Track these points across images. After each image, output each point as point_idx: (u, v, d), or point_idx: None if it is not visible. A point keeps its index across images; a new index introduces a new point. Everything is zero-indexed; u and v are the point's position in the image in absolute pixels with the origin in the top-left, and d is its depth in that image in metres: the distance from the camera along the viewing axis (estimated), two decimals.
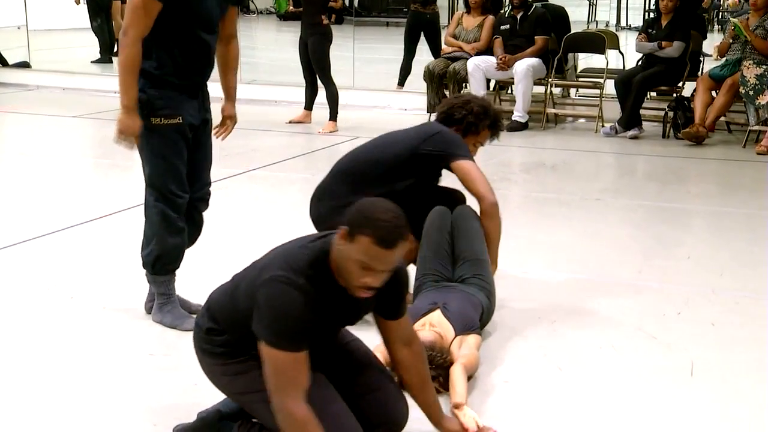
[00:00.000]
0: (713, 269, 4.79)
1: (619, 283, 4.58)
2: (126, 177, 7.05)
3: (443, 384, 3.21)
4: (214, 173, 6.77)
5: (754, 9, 7.90)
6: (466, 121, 4.06)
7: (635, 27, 12.76)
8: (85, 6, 12.24)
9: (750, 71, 7.67)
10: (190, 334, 2.92)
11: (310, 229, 5.12)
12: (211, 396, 2.94)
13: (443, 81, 8.94)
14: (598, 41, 8.97)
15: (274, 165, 7.23)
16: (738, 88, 7.77)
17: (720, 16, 13.50)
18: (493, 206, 3.92)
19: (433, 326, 3.47)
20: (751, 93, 7.66)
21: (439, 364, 3.25)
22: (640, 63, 8.65)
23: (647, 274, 4.74)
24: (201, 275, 4.66)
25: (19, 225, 5.53)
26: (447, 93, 8.76)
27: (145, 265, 4.03)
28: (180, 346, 3.63)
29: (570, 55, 9.22)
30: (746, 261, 4.92)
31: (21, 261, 4.89)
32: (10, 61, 11.76)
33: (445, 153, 3.93)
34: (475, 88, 8.58)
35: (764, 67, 7.64)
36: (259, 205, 6.10)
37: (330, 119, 8.56)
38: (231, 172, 6.85)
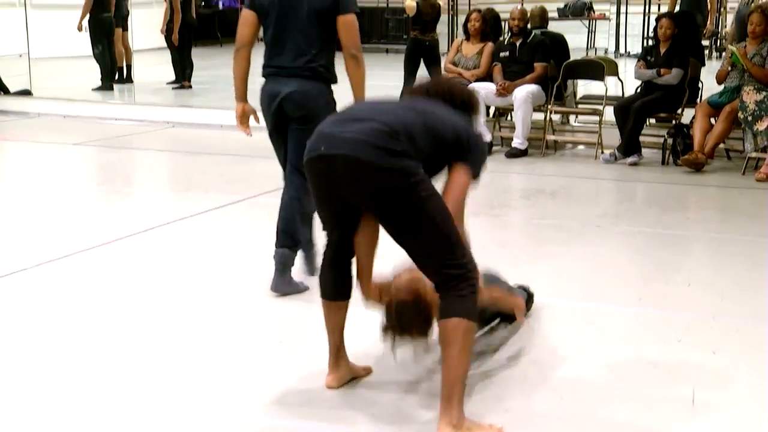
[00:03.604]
0: (713, 295, 4.79)
1: (619, 308, 4.58)
2: (126, 203, 7.07)
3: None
4: (216, 199, 6.83)
5: (752, 37, 7.94)
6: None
7: (634, 54, 12.82)
8: (87, 33, 12.30)
9: (750, 97, 7.69)
10: None
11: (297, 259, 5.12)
12: None
13: None
14: (597, 68, 9.01)
15: (274, 191, 7.22)
16: (736, 115, 7.79)
17: (718, 44, 13.56)
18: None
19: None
20: (749, 119, 7.68)
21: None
22: (639, 90, 8.68)
23: (647, 299, 4.74)
24: (202, 303, 4.66)
25: (20, 253, 5.53)
26: None
27: None
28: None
29: (569, 81, 9.25)
30: (746, 287, 4.91)
31: (22, 289, 4.88)
32: (12, 89, 11.81)
33: None
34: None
35: (764, 93, 7.66)
36: (259, 232, 6.09)
37: None
38: (232, 199, 6.86)
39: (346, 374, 3.62)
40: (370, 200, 3.17)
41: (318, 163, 3.21)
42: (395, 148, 3.08)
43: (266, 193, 7.14)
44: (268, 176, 7.84)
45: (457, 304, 3.12)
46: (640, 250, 5.81)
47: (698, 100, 8.52)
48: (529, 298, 4.39)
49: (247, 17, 4.56)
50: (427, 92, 3.51)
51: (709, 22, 11.03)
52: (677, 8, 10.75)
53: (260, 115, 4.78)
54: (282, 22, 4.50)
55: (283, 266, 4.67)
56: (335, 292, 3.51)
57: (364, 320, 3.68)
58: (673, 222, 6.45)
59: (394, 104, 3.44)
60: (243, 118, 4.74)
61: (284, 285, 4.69)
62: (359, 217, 3.32)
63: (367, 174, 3.09)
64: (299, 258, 4.86)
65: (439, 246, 3.13)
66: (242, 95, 4.71)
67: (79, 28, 12.25)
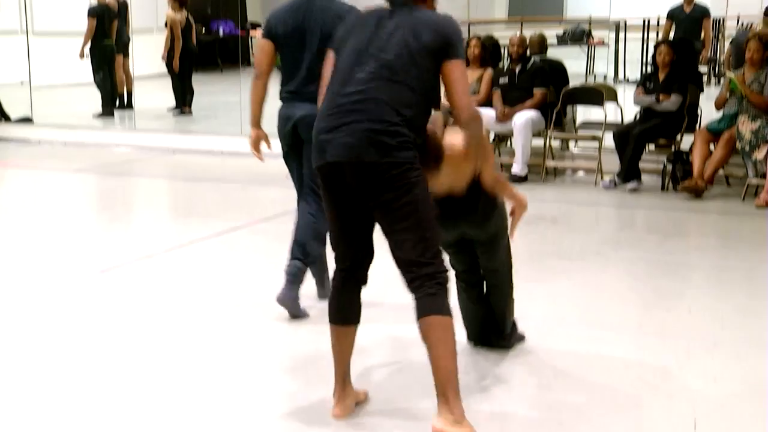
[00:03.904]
0: (714, 322, 4.79)
1: (620, 335, 4.57)
2: (127, 230, 7.08)
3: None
4: (216, 226, 6.84)
5: (749, 64, 7.98)
6: None
7: (633, 80, 12.86)
8: (89, 60, 12.35)
9: (745, 126, 7.72)
10: None
11: (310, 281, 5.12)
12: None
13: None
14: (597, 94, 9.04)
15: (274, 218, 7.24)
16: (735, 142, 7.82)
17: (717, 70, 13.62)
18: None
19: None
20: (746, 148, 7.71)
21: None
22: (638, 116, 8.71)
23: (648, 326, 4.74)
24: (203, 330, 4.66)
25: (20, 280, 5.53)
26: None
27: None
28: None
29: (569, 107, 9.28)
30: (747, 314, 4.91)
31: (23, 317, 4.88)
32: (13, 117, 11.84)
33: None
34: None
35: (759, 121, 7.69)
36: (261, 258, 6.10)
37: None
38: (231, 225, 6.87)
39: (352, 403, 3.62)
40: (375, 194, 3.29)
41: (327, 170, 3.37)
42: (392, 141, 3.25)
43: (266, 220, 7.16)
44: (268, 203, 7.88)
45: (430, 302, 3.28)
46: (641, 276, 5.81)
47: (697, 126, 8.55)
48: (520, 337, 4.42)
49: (264, 46, 4.73)
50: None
51: (705, 49, 11.07)
52: (671, 36, 10.80)
53: (274, 140, 4.90)
54: (296, 49, 4.65)
55: (292, 277, 4.73)
56: (344, 316, 3.55)
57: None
58: (673, 248, 6.46)
59: (375, 70, 3.34)
60: (256, 144, 4.89)
61: (289, 300, 4.72)
62: (370, 236, 3.46)
63: (372, 172, 3.26)
64: (311, 281, 4.93)
65: (416, 243, 3.31)
66: (257, 121, 4.85)
67: (81, 56, 12.30)
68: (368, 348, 4.17)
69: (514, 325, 4.38)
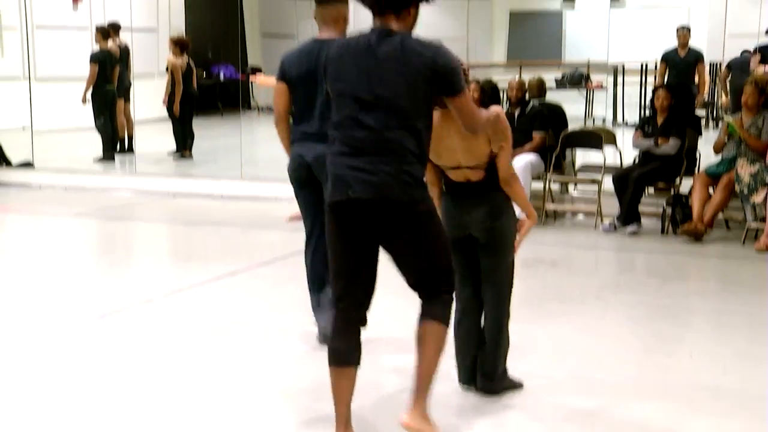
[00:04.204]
0: (716, 367, 4.76)
1: (621, 381, 4.55)
2: (126, 275, 7.07)
3: None
4: (215, 270, 6.83)
5: (746, 108, 8.02)
6: None
7: (632, 123, 12.92)
8: (90, 105, 12.41)
9: (744, 170, 7.74)
10: None
11: (312, 327, 5.11)
12: None
13: None
14: (596, 138, 9.07)
15: (274, 262, 7.24)
16: (734, 185, 7.83)
17: (714, 114, 13.69)
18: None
19: None
20: (745, 191, 7.72)
21: None
22: (637, 159, 8.74)
23: (649, 371, 4.71)
24: (204, 375, 4.64)
25: (20, 325, 5.51)
26: None
27: None
28: None
29: (568, 151, 9.31)
30: (749, 359, 4.89)
31: (23, 362, 4.86)
32: (14, 162, 11.88)
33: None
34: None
35: (758, 165, 7.71)
36: (260, 303, 6.09)
37: None
38: (231, 269, 6.86)
39: None
40: (395, 230, 3.50)
41: (345, 207, 3.49)
42: (411, 180, 3.44)
43: (266, 264, 7.15)
44: (268, 247, 7.88)
45: (439, 310, 3.59)
46: (641, 321, 5.79)
47: (696, 169, 8.58)
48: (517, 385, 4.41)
49: (280, 90, 4.88)
50: None
51: (699, 94, 11.13)
52: (666, 79, 10.87)
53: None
54: (310, 91, 4.75)
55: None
56: (344, 358, 3.61)
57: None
58: (673, 292, 6.45)
59: (382, 113, 3.46)
60: None
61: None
62: (374, 275, 3.60)
63: (395, 209, 3.46)
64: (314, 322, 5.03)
65: (431, 273, 3.58)
66: None
67: (84, 101, 12.37)
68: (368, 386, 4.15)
69: (504, 371, 4.35)
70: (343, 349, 3.60)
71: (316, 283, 4.99)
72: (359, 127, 3.45)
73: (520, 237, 4.19)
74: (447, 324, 3.62)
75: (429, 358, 3.55)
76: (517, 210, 4.17)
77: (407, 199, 3.44)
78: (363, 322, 3.63)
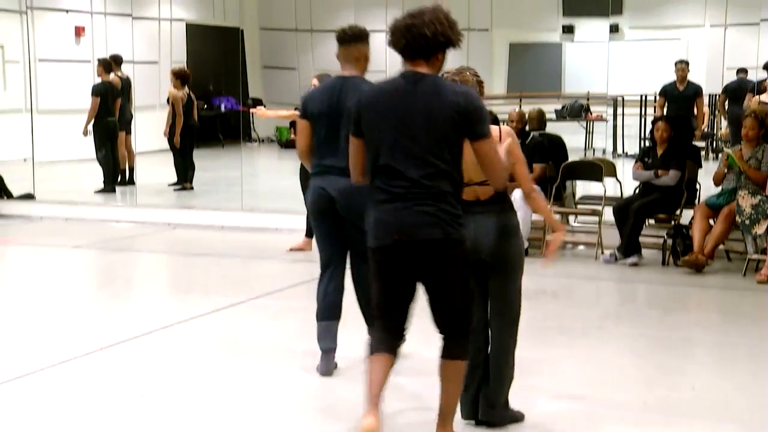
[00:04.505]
0: (718, 400, 4.74)
1: (622, 413, 4.53)
2: (126, 307, 7.05)
3: None
4: (216, 302, 6.82)
5: (746, 140, 8.04)
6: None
7: (632, 154, 12.96)
8: (92, 137, 12.45)
9: (746, 201, 7.74)
10: None
11: (312, 360, 5.09)
12: None
13: None
14: (596, 169, 9.09)
15: (274, 293, 7.23)
16: (735, 217, 7.82)
17: (714, 145, 13.72)
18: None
19: None
20: (747, 222, 7.71)
21: None
22: (637, 191, 8.75)
23: (651, 404, 4.69)
24: (204, 408, 4.62)
25: (21, 358, 5.49)
26: None
27: None
28: None
29: (568, 182, 9.33)
30: (752, 393, 4.87)
31: (23, 395, 4.83)
32: (15, 194, 11.88)
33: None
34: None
35: (760, 196, 7.71)
36: (260, 334, 6.07)
37: None
38: (232, 301, 6.85)
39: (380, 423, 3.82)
40: (432, 268, 3.75)
41: (389, 249, 3.75)
42: (448, 218, 3.68)
43: (266, 295, 7.14)
44: (269, 278, 7.87)
45: (460, 349, 3.87)
46: (642, 353, 5.77)
47: (696, 201, 8.58)
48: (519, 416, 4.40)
49: (303, 127, 5.09)
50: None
51: (698, 128, 11.17)
52: (665, 111, 10.91)
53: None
54: (332, 126, 4.89)
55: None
56: (384, 347, 3.87)
57: None
58: (674, 324, 6.43)
59: (419, 162, 3.70)
60: None
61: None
62: (411, 306, 3.87)
63: (433, 248, 3.70)
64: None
65: (455, 314, 3.83)
66: None
67: (85, 133, 12.41)
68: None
69: (507, 402, 4.33)
70: (383, 341, 3.88)
71: (327, 313, 5.08)
72: (397, 176, 3.70)
73: (553, 247, 4.30)
74: (466, 358, 3.93)
75: (450, 394, 3.90)
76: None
77: (443, 236, 3.68)
78: (402, 339, 3.92)
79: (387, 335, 3.89)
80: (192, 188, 12.69)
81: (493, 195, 4.15)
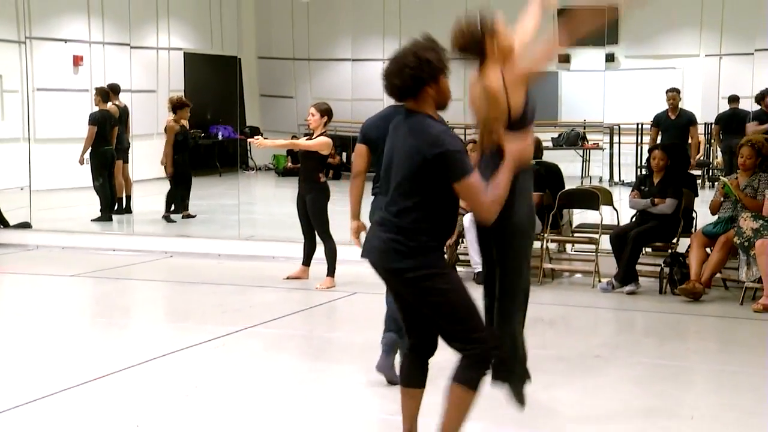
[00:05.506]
0: (719, 431, 4.72)
1: None
2: (123, 336, 7.03)
3: None
4: (213, 330, 6.80)
5: (742, 169, 8.06)
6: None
7: (628, 182, 12.99)
8: (88, 165, 12.46)
9: (747, 223, 7.71)
10: None
11: (314, 386, 5.07)
12: None
13: None
14: (592, 198, 9.11)
15: (271, 322, 7.21)
16: (732, 245, 7.82)
17: (710, 174, 13.76)
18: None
19: None
20: (746, 244, 7.69)
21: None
22: (634, 219, 8.76)
23: None
24: None
25: (17, 387, 5.46)
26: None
27: None
28: None
29: (565, 210, 9.34)
30: (752, 423, 4.86)
31: (19, 425, 4.81)
32: (12, 222, 11.87)
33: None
34: (472, 243, 8.64)
35: (761, 221, 7.70)
36: (258, 363, 6.05)
37: (328, 275, 8.59)
38: (228, 330, 6.83)
39: None
40: (404, 292, 3.86)
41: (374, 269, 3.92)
42: (409, 246, 3.75)
43: (263, 324, 7.12)
44: (265, 306, 7.85)
45: (466, 374, 3.82)
46: (641, 382, 5.75)
47: (693, 229, 8.59)
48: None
49: (360, 150, 5.55)
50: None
51: (692, 157, 11.18)
52: (659, 140, 10.94)
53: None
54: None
55: (388, 348, 5.33)
56: (410, 381, 4.04)
57: None
58: (672, 353, 6.41)
59: (397, 190, 3.87)
60: (357, 232, 5.50)
61: (386, 368, 5.31)
62: (425, 321, 3.90)
63: (393, 275, 3.83)
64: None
65: (451, 331, 3.82)
66: (356, 214, 5.55)
67: (81, 162, 12.41)
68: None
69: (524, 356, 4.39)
70: (410, 373, 4.04)
71: (389, 324, 5.35)
72: (388, 200, 3.89)
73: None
74: (473, 388, 3.84)
75: (450, 417, 3.87)
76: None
77: (395, 267, 3.80)
78: (430, 352, 4.02)
79: (411, 352, 4.03)
80: (187, 213, 12.59)
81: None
